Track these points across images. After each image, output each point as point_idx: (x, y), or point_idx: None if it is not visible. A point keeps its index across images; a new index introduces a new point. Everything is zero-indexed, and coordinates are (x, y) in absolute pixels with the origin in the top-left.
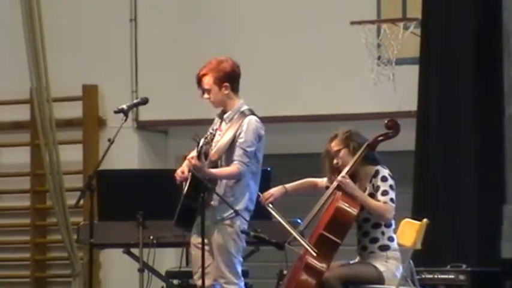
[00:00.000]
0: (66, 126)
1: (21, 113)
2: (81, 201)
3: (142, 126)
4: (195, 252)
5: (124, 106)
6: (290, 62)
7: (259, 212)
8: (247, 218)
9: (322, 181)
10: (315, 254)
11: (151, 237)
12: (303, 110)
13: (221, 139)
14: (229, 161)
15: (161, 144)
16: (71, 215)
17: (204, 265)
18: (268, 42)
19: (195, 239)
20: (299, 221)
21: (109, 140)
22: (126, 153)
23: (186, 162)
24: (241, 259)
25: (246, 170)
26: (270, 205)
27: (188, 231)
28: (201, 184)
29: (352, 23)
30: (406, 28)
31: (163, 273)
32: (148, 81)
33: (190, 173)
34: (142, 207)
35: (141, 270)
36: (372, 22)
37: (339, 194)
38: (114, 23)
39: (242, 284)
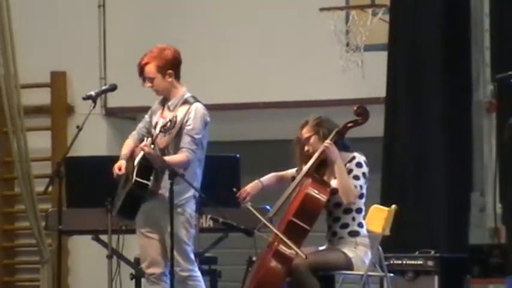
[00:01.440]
0: (34, 113)
1: None
2: (50, 188)
3: (110, 113)
4: (143, 242)
5: (92, 93)
6: (259, 49)
7: (228, 199)
8: (194, 206)
9: (287, 173)
10: (304, 257)
11: (120, 224)
12: (272, 97)
13: None
14: (176, 149)
15: (130, 131)
16: (39, 201)
17: (156, 254)
18: (238, 29)
19: (143, 228)
20: (268, 207)
21: (77, 126)
22: (94, 140)
23: (121, 157)
24: (192, 246)
25: (193, 158)
26: (248, 203)
27: (131, 220)
28: (151, 171)
29: (321, 9)
30: (374, 14)
31: (132, 260)
32: (116, 68)
33: (138, 161)
34: (111, 194)
35: (109, 257)
36: (340, 8)
37: (308, 181)
38: (82, 9)
39: (196, 268)
